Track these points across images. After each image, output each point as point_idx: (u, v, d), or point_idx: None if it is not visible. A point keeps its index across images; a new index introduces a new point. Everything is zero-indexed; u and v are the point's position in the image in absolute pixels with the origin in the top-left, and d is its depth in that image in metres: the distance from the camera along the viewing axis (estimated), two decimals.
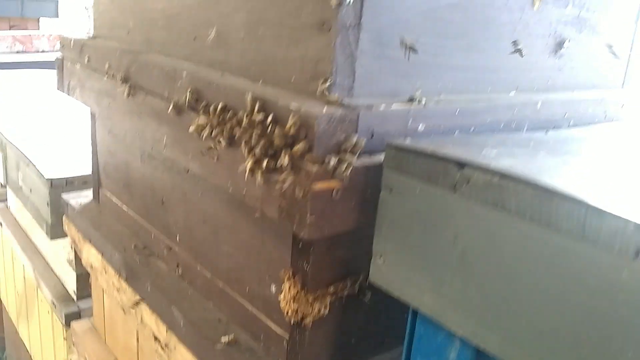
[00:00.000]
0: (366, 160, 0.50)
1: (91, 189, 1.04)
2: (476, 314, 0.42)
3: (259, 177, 0.50)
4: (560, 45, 0.74)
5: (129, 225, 0.92)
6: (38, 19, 2.53)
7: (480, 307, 0.42)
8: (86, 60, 0.84)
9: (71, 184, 1.10)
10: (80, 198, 1.04)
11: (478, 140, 0.51)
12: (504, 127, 0.64)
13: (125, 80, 0.73)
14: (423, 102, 0.55)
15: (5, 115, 1.53)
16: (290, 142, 0.48)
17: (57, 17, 2.55)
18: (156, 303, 0.78)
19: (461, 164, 0.42)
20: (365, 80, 0.54)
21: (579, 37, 0.77)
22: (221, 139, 0.54)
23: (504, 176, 0.39)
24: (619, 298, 0.34)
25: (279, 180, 0.49)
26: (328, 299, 0.58)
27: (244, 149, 0.51)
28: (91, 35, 0.92)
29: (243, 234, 0.65)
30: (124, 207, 0.93)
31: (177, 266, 0.80)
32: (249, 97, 0.51)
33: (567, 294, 0.36)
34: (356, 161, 0.49)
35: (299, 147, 0.47)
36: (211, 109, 0.55)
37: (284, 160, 0.47)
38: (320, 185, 0.47)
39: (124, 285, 0.85)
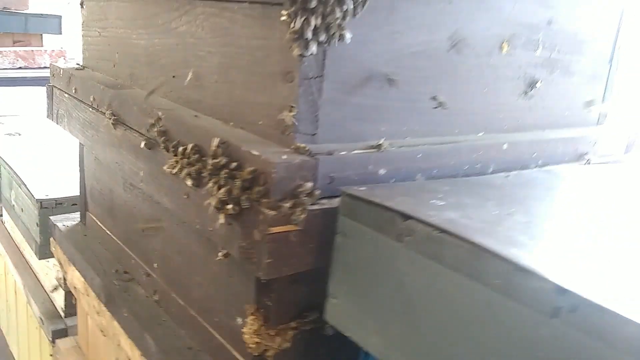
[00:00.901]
0: (325, 204, 0.53)
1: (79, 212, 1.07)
2: (418, 357, 0.44)
3: (221, 218, 0.52)
4: (530, 86, 0.77)
5: (112, 249, 0.94)
6: (41, 35, 2.58)
7: (422, 352, 0.44)
8: (73, 90, 0.87)
9: (60, 205, 1.13)
10: (68, 220, 1.07)
11: (432, 187, 0.53)
12: (468, 168, 0.66)
13: (107, 113, 0.75)
14: (385, 148, 0.57)
15: (3, 133, 1.56)
16: (250, 187, 0.50)
17: (60, 33, 2.59)
18: (131, 329, 0.80)
19: (405, 216, 0.44)
20: (329, 126, 0.56)
21: (550, 78, 0.79)
22: (188, 180, 0.56)
23: (442, 231, 0.41)
24: (538, 354, 0.36)
25: (239, 223, 0.51)
26: (290, 334, 0.60)
27: (209, 191, 0.53)
28: (80, 65, 0.95)
29: (213, 266, 0.67)
30: (108, 232, 0.96)
31: (154, 293, 0.82)
32: (214, 142, 0.54)
33: (495, 345, 0.38)
34: (313, 206, 0.51)
35: (256, 192, 0.49)
36: (180, 149, 0.58)
37: (244, 204, 0.50)
38: (276, 229, 0.49)
39: (103, 308, 0.87)
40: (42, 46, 2.59)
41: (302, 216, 0.49)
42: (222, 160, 0.52)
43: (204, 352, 0.72)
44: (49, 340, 1.29)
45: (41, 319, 1.32)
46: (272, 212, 0.49)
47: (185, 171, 0.57)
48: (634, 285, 0.36)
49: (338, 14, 0.52)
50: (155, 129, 0.63)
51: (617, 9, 0.86)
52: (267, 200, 0.49)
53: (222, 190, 0.52)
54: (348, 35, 0.53)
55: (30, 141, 1.48)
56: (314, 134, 0.55)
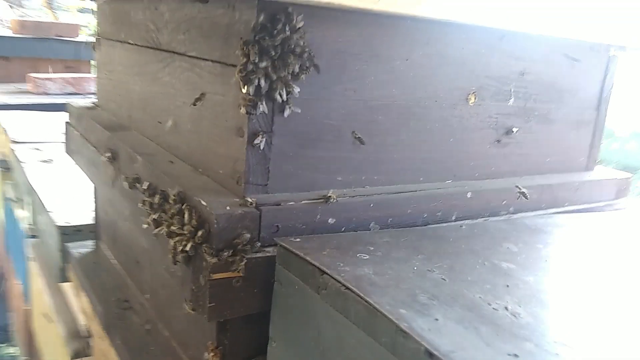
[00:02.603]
0: (269, 252, 0.56)
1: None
2: None
3: (171, 260, 0.57)
4: (504, 135, 0.78)
5: (116, 278, 1.00)
6: (89, 62, 2.73)
7: None
8: (82, 129, 0.94)
9: (79, 232, 1.20)
10: (84, 247, 1.14)
11: (370, 239, 0.56)
12: (427, 217, 0.68)
13: (104, 154, 0.82)
14: (333, 199, 0.60)
15: (38, 159, 1.67)
16: (195, 235, 0.55)
17: None
18: (122, 355, 0.85)
19: (321, 271, 0.47)
20: (282, 177, 0.60)
21: (527, 126, 0.81)
22: (150, 222, 0.61)
23: (347, 288, 0.44)
24: None
25: (191, 269, 0.56)
26: None
27: (165, 236, 0.58)
28: (94, 104, 1.02)
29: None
30: (113, 261, 1.02)
31: (146, 322, 0.88)
32: (173, 191, 0.59)
33: None
34: (257, 254, 0.55)
35: (198, 239, 0.53)
36: (147, 193, 0.63)
37: (190, 251, 0.54)
38: (218, 275, 0.53)
39: (104, 334, 0.93)
40: (89, 73, 2.74)
41: (242, 264, 0.53)
42: (176, 207, 0.57)
43: None
44: (69, 358, 1.36)
45: (65, 337, 1.40)
46: (214, 260, 0.53)
47: (151, 217, 0.62)
48: (496, 348, 0.38)
49: (286, 75, 0.56)
50: (133, 173, 0.69)
51: (603, 57, 0.87)
52: (209, 248, 0.53)
53: (174, 236, 0.56)
54: (297, 93, 0.57)
55: (60, 168, 1.58)
56: (265, 185, 0.59)
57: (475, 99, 0.73)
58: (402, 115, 0.67)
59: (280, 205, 0.58)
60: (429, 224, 0.68)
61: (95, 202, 1.10)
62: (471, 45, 0.70)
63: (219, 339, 0.63)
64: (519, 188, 0.75)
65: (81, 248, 1.14)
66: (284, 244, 0.52)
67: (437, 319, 0.40)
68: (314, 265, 0.48)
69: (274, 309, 0.55)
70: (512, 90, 0.77)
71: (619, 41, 0.82)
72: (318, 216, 0.60)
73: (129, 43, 0.86)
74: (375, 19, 0.61)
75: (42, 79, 2.49)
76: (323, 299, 0.47)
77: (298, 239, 0.54)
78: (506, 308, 0.44)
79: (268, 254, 0.56)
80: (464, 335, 0.39)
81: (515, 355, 0.37)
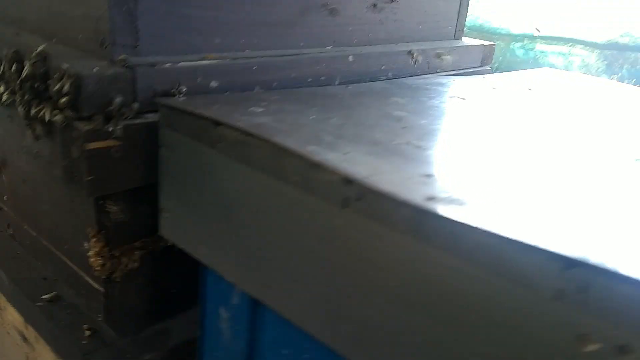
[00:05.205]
0: (149, 118, 0.51)
1: None
2: (240, 261, 0.45)
3: (28, 135, 0.50)
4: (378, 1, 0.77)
5: None
6: None
7: (242, 255, 0.44)
8: None
9: None
10: None
11: (260, 97, 0.53)
12: (312, 81, 0.66)
13: None
14: (213, 59, 0.56)
15: None
16: (60, 101, 0.48)
17: None
18: None
19: (216, 123, 0.43)
20: (153, 38, 0.54)
21: None
22: (4, 96, 0.53)
23: (247, 134, 0.41)
24: (336, 243, 0.37)
25: (60, 142, 0.49)
26: (137, 254, 0.59)
27: (18, 107, 0.50)
28: None
29: (56, 192, 0.65)
30: None
31: (8, 226, 0.79)
32: (31, 55, 0.51)
33: (301, 240, 0.39)
34: (135, 120, 0.50)
35: (62, 105, 0.47)
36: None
37: (56, 119, 0.47)
38: (94, 145, 0.48)
39: None
40: None
41: (118, 129, 0.48)
42: (31, 69, 0.49)
43: (60, 281, 0.70)
44: None
45: None
46: (87, 126, 0.47)
47: (1, 88, 0.54)
48: (409, 172, 0.37)
49: None
50: None
51: None
52: (78, 114, 0.47)
53: (32, 105, 0.49)
54: None
55: None
56: (135, 46, 0.53)
57: None
58: None
59: (155, 66, 0.52)
60: (313, 87, 0.66)
61: None
62: None
63: (100, 221, 0.57)
64: (412, 52, 0.75)
65: None
66: (167, 103, 0.47)
67: (347, 152, 0.39)
68: (206, 118, 0.44)
69: (161, 177, 0.50)
70: None
71: None
72: (199, 79, 0.55)
73: None
74: None
75: None
76: (220, 153, 0.44)
77: (183, 98, 0.49)
78: (408, 143, 0.43)
79: (148, 120, 0.51)
80: (376, 163, 0.37)
81: (429, 175, 0.36)
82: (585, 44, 1.34)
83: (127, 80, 0.49)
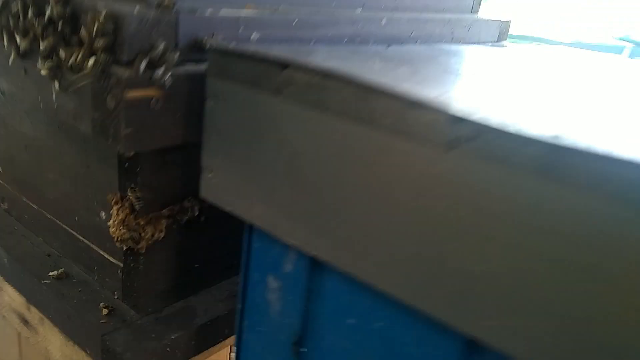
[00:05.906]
0: (191, 68, 0.46)
1: None
2: (307, 221, 0.40)
3: (56, 85, 0.44)
4: None
5: None
6: None
7: (310, 213, 0.40)
8: None
9: None
10: None
11: (312, 49, 0.49)
12: (347, 42, 0.62)
13: None
14: (254, 11, 0.51)
15: None
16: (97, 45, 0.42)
17: None
18: None
19: (283, 65, 0.39)
20: None
21: None
22: (21, 42, 0.47)
23: (325, 75, 0.37)
24: (437, 191, 0.33)
25: (90, 91, 0.44)
26: (163, 223, 0.54)
27: (41, 55, 0.44)
28: None
29: (67, 158, 0.59)
30: None
31: (2, 201, 0.72)
32: None
33: (390, 191, 0.35)
34: (178, 69, 0.45)
35: (102, 47, 0.41)
36: (13, 11, 0.48)
37: (89, 63, 0.42)
38: (134, 94, 0.42)
39: None
40: None
41: (166, 78, 0.43)
42: (58, 8, 0.44)
43: (66, 257, 0.64)
44: None
45: None
46: (127, 72, 0.42)
47: (17, 34, 0.48)
48: (530, 108, 0.33)
49: None
50: None
51: None
52: (117, 59, 0.41)
53: (60, 51, 0.43)
54: None
55: None
56: None
57: None
58: None
59: (196, 12, 0.47)
60: None
61: None
62: None
63: (125, 187, 0.52)
64: (439, 21, 0.71)
65: None
66: (221, 47, 0.42)
67: (442, 93, 0.35)
68: (271, 60, 0.39)
69: (207, 132, 0.45)
70: None
71: None
72: (241, 28, 0.50)
73: None
74: None
75: None
76: (286, 100, 0.39)
77: (234, 42, 0.44)
78: (495, 89, 0.39)
79: (191, 70, 0.46)
80: (478, 104, 0.33)
81: (541, 115, 0.32)
82: (552, 43, 1.33)
83: (170, 25, 0.44)
